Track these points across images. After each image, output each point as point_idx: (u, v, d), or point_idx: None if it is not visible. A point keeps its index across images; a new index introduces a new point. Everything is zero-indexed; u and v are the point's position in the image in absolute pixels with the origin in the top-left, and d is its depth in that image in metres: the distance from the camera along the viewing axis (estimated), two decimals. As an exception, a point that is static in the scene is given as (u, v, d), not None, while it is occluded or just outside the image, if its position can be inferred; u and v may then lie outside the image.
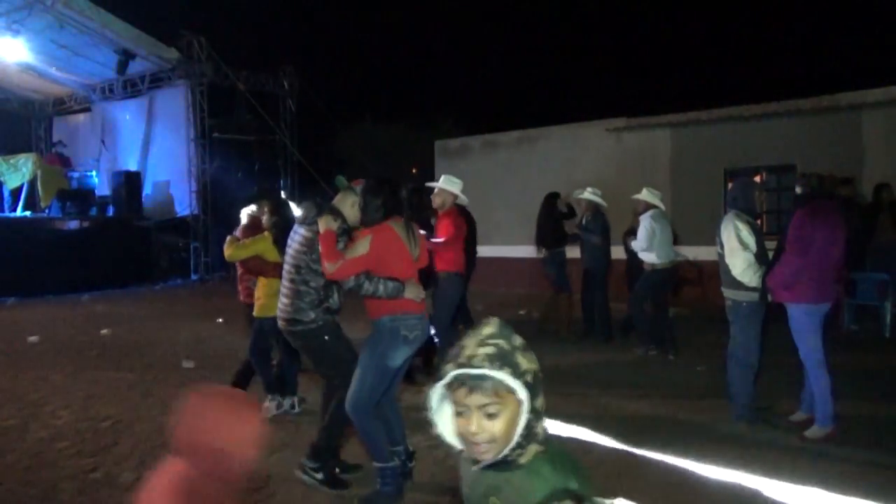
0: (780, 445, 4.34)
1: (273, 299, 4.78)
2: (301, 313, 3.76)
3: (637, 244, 7.00)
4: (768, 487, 3.71)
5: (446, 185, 5.86)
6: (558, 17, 31.78)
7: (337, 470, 3.90)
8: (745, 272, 4.57)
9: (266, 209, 5.16)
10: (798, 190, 4.94)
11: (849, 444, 4.30)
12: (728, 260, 4.66)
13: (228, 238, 5.23)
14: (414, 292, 3.46)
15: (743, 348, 4.72)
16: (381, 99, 26.12)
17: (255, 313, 5.16)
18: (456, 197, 5.92)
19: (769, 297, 4.59)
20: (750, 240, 4.57)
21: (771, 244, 4.89)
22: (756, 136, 10.95)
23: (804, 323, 4.51)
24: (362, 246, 3.41)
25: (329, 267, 3.44)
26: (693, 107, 11.81)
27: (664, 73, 25.26)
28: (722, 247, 4.73)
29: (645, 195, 7.15)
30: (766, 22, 26.46)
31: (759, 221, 4.73)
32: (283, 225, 4.99)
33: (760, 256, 4.62)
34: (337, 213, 3.66)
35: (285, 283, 3.86)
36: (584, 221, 7.81)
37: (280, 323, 3.88)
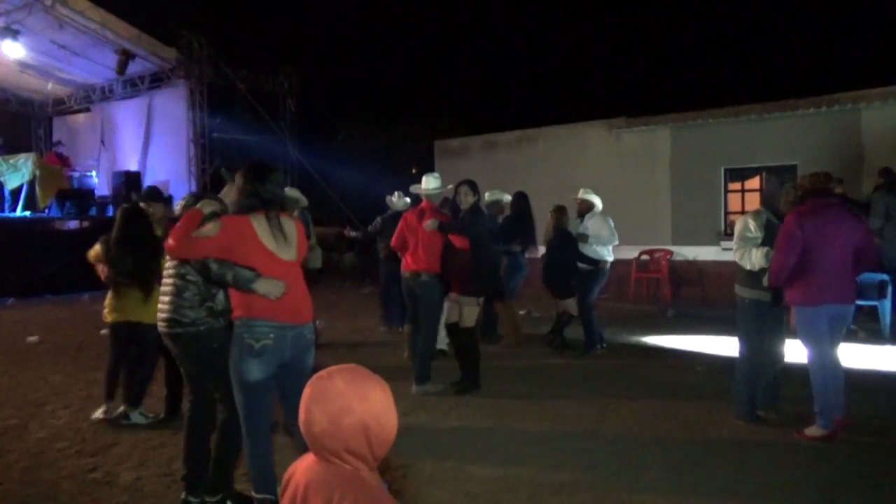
0: (780, 445, 4.34)
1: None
2: (180, 312, 3.48)
3: (606, 240, 6.99)
4: (768, 487, 3.71)
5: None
6: (558, 16, 31.79)
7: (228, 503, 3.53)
8: (743, 258, 4.64)
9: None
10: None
11: (849, 443, 4.30)
12: (734, 252, 4.76)
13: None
14: (266, 287, 3.08)
15: (748, 347, 4.74)
16: (381, 99, 26.06)
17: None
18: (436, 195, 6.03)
19: (781, 298, 4.59)
20: (756, 234, 4.63)
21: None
22: (756, 136, 10.96)
23: (805, 323, 4.50)
24: (211, 228, 3.13)
25: (170, 239, 3.13)
26: (693, 107, 11.82)
27: (664, 73, 25.21)
28: None
29: (585, 195, 7.19)
30: (766, 22, 26.46)
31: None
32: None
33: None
34: (220, 203, 3.46)
35: (166, 279, 3.59)
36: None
37: (160, 325, 3.55)
